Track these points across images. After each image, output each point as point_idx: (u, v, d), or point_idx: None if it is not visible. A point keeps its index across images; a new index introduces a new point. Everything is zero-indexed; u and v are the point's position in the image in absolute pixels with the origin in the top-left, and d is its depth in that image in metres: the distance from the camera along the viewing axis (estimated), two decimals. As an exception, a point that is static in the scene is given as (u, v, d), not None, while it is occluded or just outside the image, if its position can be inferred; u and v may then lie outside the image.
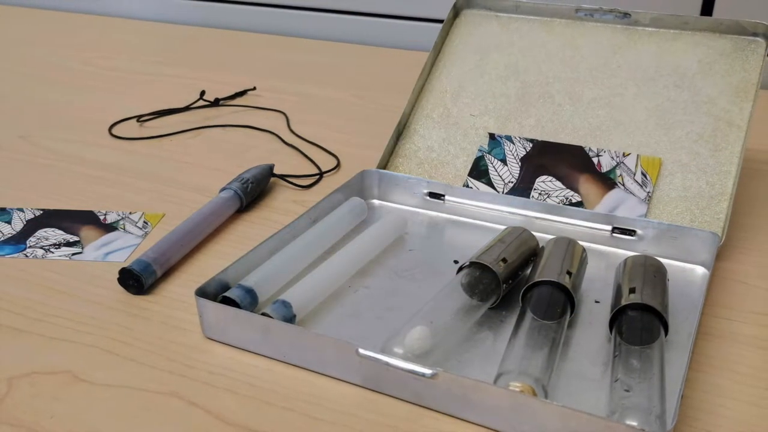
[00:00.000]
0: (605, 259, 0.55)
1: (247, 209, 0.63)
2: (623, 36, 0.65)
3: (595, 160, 0.60)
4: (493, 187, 0.61)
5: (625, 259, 0.49)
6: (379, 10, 1.13)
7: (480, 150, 0.64)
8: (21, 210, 0.63)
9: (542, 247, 0.51)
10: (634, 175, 0.59)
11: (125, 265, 0.53)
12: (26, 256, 0.57)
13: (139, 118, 0.84)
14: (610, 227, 0.56)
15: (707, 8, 0.92)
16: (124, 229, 0.61)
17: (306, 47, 1.12)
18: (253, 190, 0.63)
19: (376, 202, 0.63)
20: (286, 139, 0.78)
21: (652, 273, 0.47)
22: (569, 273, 0.47)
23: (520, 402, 0.38)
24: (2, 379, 0.44)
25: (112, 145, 0.77)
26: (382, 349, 0.42)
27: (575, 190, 0.59)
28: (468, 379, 0.39)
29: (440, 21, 0.70)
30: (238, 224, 0.61)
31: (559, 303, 0.45)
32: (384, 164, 0.65)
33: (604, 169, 0.60)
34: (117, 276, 0.52)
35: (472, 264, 0.48)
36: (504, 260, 0.48)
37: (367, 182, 0.63)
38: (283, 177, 0.68)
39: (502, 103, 0.65)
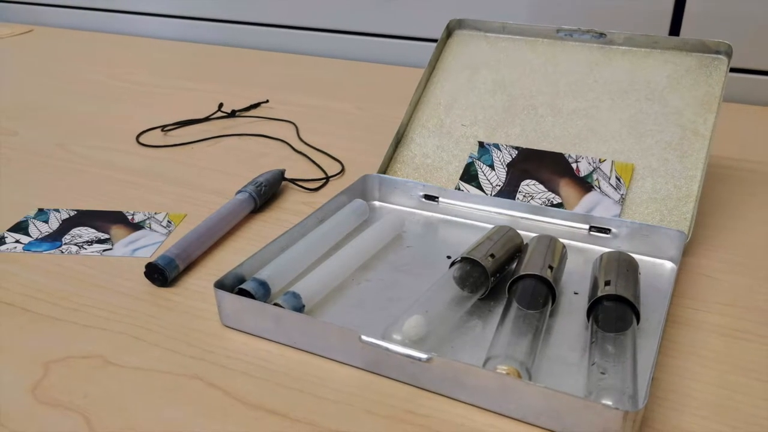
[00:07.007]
0: (583, 254, 0.55)
1: (260, 210, 0.63)
2: (599, 54, 0.65)
3: (574, 165, 0.60)
4: (482, 190, 0.61)
5: (601, 255, 0.49)
6: (380, 30, 1.13)
7: (470, 157, 0.64)
8: (57, 210, 0.63)
9: (526, 244, 0.51)
10: (609, 179, 0.59)
11: (151, 260, 0.53)
12: (62, 252, 0.57)
13: (164, 127, 0.84)
14: (587, 226, 0.56)
15: (675, 29, 0.93)
16: (150, 227, 0.61)
17: (314, 64, 1.12)
18: (266, 193, 0.63)
19: (376, 203, 0.63)
20: (296, 147, 0.78)
21: (626, 267, 0.47)
22: (551, 267, 0.47)
23: (506, 383, 0.38)
24: (40, 363, 0.44)
25: (139, 152, 0.77)
26: (382, 336, 0.42)
27: (556, 192, 0.59)
28: (459, 363, 0.39)
29: (434, 40, 0.70)
30: (253, 223, 0.61)
31: (541, 294, 0.45)
32: (384, 169, 0.65)
33: (582, 173, 0.60)
34: (143, 270, 0.52)
35: (463, 259, 0.48)
36: (492, 256, 0.48)
37: (368, 185, 0.63)
38: (293, 181, 0.68)
39: (490, 115, 0.65)
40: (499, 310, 0.47)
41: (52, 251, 0.57)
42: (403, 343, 0.41)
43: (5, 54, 1.23)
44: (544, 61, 0.66)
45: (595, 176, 0.59)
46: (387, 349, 0.41)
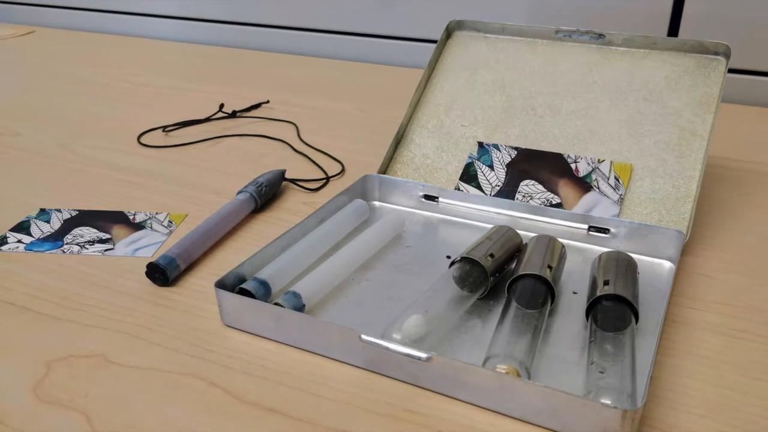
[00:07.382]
0: (582, 254, 0.55)
1: (261, 210, 0.63)
2: (598, 55, 0.65)
3: (573, 165, 0.60)
4: (481, 190, 0.61)
5: (600, 255, 0.49)
6: (380, 31, 1.13)
7: (470, 157, 0.63)
8: (59, 210, 0.63)
9: (525, 243, 0.51)
10: (608, 179, 0.59)
11: (152, 260, 0.53)
12: (63, 252, 0.57)
13: (165, 128, 0.84)
14: (586, 226, 0.56)
15: (673, 30, 0.93)
16: (151, 227, 0.61)
17: (314, 65, 1.12)
18: (267, 193, 0.63)
19: (376, 203, 0.63)
20: (296, 147, 0.78)
21: (624, 267, 0.47)
22: (550, 267, 0.47)
23: (505, 382, 0.38)
24: (42, 362, 0.44)
25: (140, 153, 0.77)
26: (382, 335, 0.42)
27: (555, 192, 0.59)
28: (459, 362, 0.39)
29: (434, 41, 0.70)
30: (254, 223, 0.61)
31: (540, 294, 0.45)
32: (384, 170, 0.65)
33: (581, 174, 0.60)
34: (145, 270, 0.52)
35: (463, 259, 0.48)
36: (491, 255, 0.48)
37: (368, 186, 0.63)
38: (293, 181, 0.68)
39: (489, 115, 0.65)
40: (499, 309, 0.47)
41: (53, 251, 0.57)
42: (403, 343, 0.41)
43: (8, 55, 1.23)
44: (543, 61, 0.66)
45: (594, 176, 0.59)
46: (387, 349, 0.41)
